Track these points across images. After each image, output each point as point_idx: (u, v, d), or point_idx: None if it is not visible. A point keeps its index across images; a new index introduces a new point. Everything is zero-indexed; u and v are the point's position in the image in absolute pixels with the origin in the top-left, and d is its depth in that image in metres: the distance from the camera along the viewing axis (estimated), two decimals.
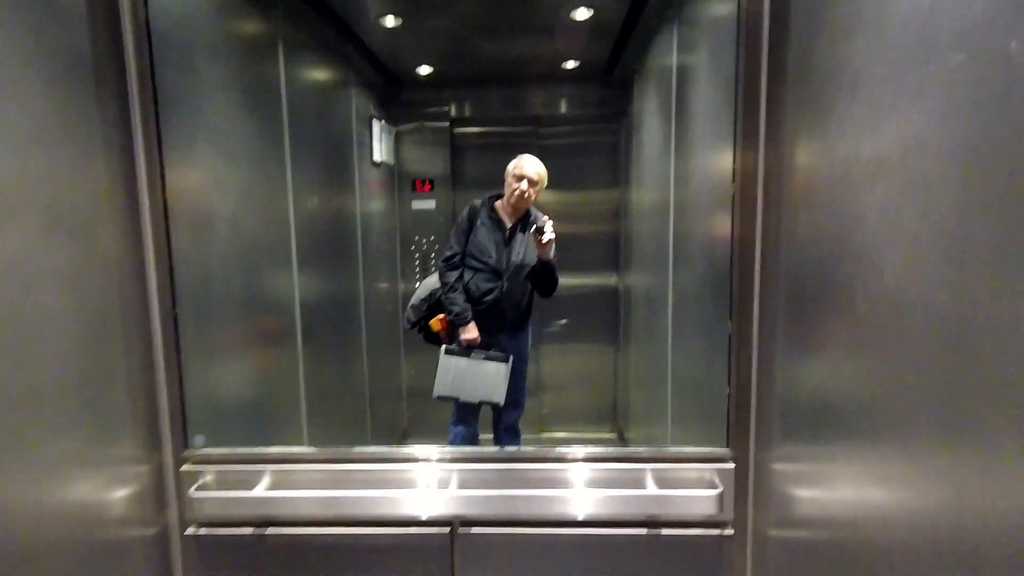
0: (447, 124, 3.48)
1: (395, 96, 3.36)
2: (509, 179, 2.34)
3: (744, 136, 1.13)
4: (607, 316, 3.64)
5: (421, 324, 2.51)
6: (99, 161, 1.01)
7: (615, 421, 3.70)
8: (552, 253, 2.31)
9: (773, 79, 1.07)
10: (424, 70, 3.10)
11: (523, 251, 2.37)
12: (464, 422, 2.51)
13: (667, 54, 1.95)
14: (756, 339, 1.16)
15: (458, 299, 2.36)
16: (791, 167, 1.01)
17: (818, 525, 0.94)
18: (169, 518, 1.19)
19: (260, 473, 1.21)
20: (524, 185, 2.29)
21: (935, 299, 0.63)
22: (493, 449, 1.22)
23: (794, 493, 1.03)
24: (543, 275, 2.38)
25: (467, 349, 2.37)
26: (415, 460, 1.22)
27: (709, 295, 1.55)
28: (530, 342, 2.60)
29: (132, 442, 1.11)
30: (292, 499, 1.15)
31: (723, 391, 1.22)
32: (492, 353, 2.37)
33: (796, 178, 0.99)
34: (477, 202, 2.43)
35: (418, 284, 3.56)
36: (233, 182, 1.52)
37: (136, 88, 1.10)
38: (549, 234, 2.23)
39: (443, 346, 2.40)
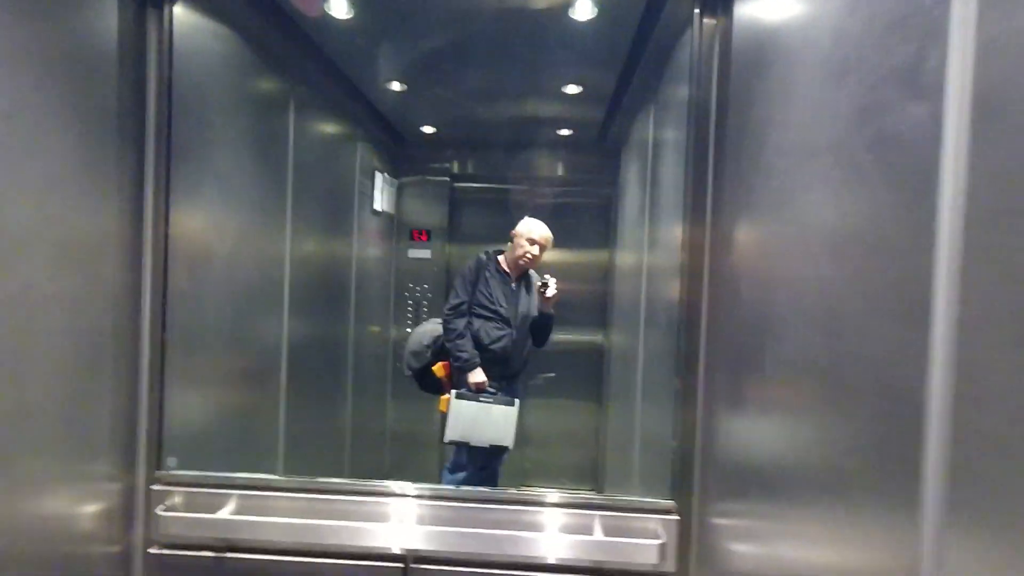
0: (447, 179, 3.67)
1: (400, 151, 3.56)
2: (520, 241, 2.53)
3: (693, 210, 1.25)
4: (592, 373, 3.70)
5: (422, 371, 2.60)
6: (111, 202, 1.13)
7: (595, 479, 3.69)
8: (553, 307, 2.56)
9: (719, 159, 1.20)
10: (428, 129, 3.31)
11: (526, 303, 2.56)
12: (464, 469, 2.55)
13: (645, 129, 2.12)
14: (701, 397, 1.24)
15: (466, 345, 2.47)
16: (729, 241, 1.12)
17: None
18: (134, 537, 1.24)
19: (227, 498, 1.27)
20: (536, 250, 2.52)
21: (818, 365, 0.73)
22: (450, 488, 1.28)
23: (731, 547, 1.08)
24: (542, 326, 2.61)
25: (475, 393, 2.45)
26: (378, 494, 1.28)
27: (670, 357, 1.63)
28: (523, 394, 2.70)
29: (108, 461, 1.18)
30: (252, 524, 1.20)
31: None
32: (500, 397, 2.46)
33: (734, 251, 1.10)
34: (483, 255, 2.60)
35: (408, 330, 3.67)
36: (234, 225, 1.65)
37: (153, 139, 1.24)
38: (553, 290, 2.50)
39: (453, 391, 2.47)
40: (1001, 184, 0.44)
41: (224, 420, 1.64)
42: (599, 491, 3.56)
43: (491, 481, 2.62)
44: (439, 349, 2.57)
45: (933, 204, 0.50)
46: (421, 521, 1.25)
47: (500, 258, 2.60)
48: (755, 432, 0.97)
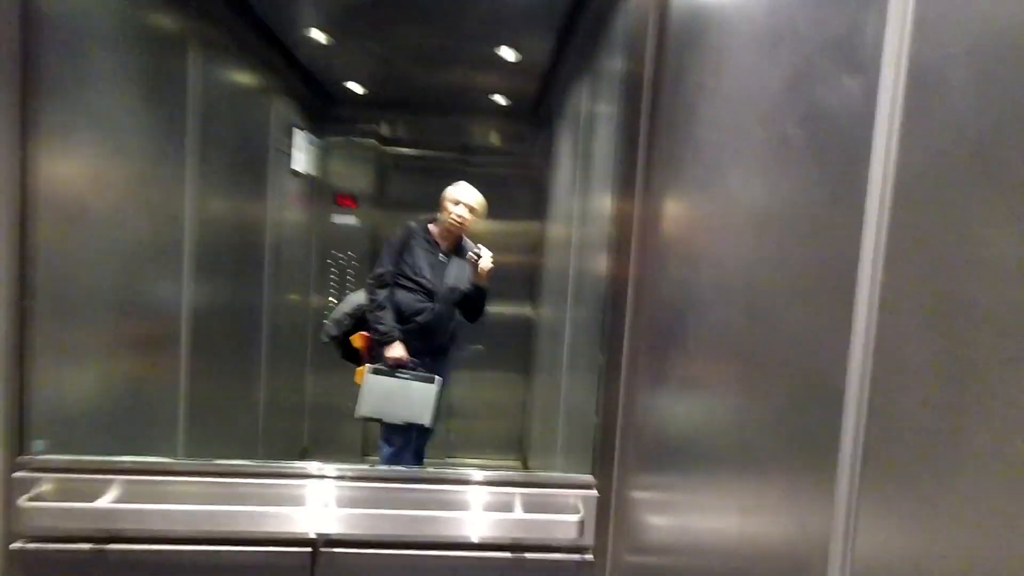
0: (376, 142, 3.48)
1: (325, 109, 3.33)
2: (447, 204, 2.38)
3: (623, 184, 1.22)
4: (521, 346, 3.70)
5: (340, 339, 2.46)
6: None
7: (521, 450, 3.73)
8: (488, 280, 2.41)
9: (652, 132, 1.18)
10: (355, 88, 3.11)
11: (456, 275, 2.42)
12: (389, 443, 2.46)
13: (579, 101, 2.07)
14: (624, 373, 1.23)
15: (386, 317, 2.34)
16: (658, 216, 1.10)
17: (665, 551, 1.00)
18: None
19: (108, 484, 1.13)
20: (463, 211, 2.36)
21: (738, 344, 0.72)
22: (363, 467, 1.21)
23: (647, 520, 1.09)
24: (475, 300, 2.45)
25: (392, 368, 2.33)
26: (281, 476, 1.19)
27: (596, 331, 1.63)
28: (451, 369, 2.60)
29: None
30: (138, 512, 1.09)
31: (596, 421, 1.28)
32: (419, 373, 2.33)
33: (662, 227, 1.08)
34: (413, 224, 2.45)
35: (331, 299, 3.50)
36: (119, 177, 1.45)
37: (7, 67, 1.05)
38: (487, 262, 2.33)
39: (367, 365, 2.34)
40: (931, 163, 0.43)
41: (110, 396, 1.48)
42: (524, 462, 3.60)
43: (415, 459, 2.56)
44: (360, 319, 2.43)
45: (863, 183, 0.48)
46: (339, 503, 1.17)
47: (431, 227, 2.45)
48: (674, 408, 0.97)
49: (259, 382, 2.66)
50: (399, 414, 2.32)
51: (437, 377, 2.33)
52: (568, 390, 2.08)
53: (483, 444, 3.73)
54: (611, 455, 1.24)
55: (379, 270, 2.40)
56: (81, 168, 1.31)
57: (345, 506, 1.17)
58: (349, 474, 1.20)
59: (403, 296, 2.37)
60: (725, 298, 0.75)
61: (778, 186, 0.63)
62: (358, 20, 2.23)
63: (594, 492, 1.23)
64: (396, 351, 2.34)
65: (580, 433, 1.83)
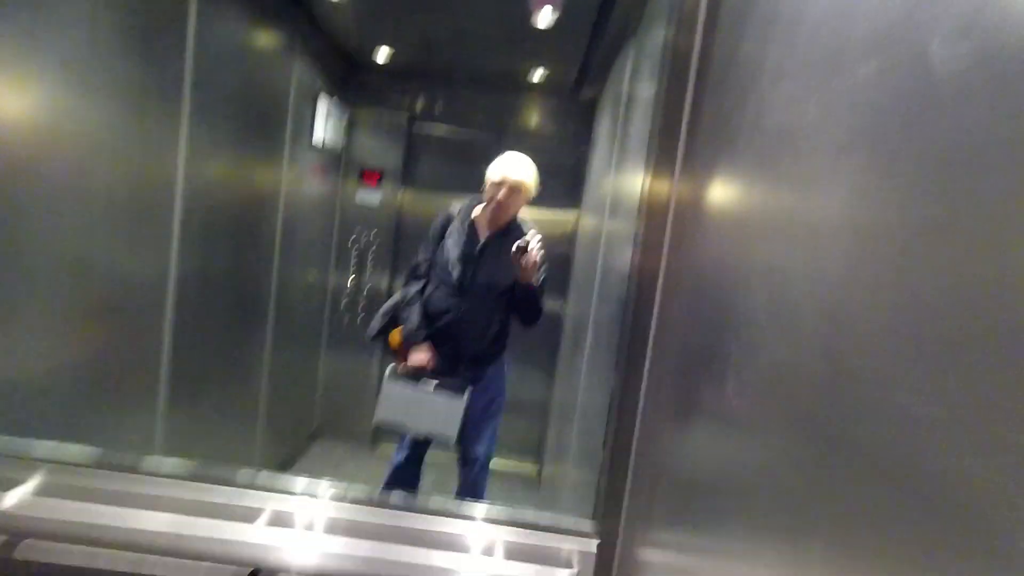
0: (406, 117, 3.29)
1: (351, 77, 3.16)
2: (488, 182, 2.03)
3: (657, 165, 0.97)
4: (549, 343, 3.47)
5: (380, 336, 2.21)
6: None
7: (538, 455, 3.51)
8: (540, 277, 1.99)
9: (696, 106, 0.92)
10: (383, 53, 2.91)
11: (494, 269, 2.04)
12: (407, 456, 2.21)
13: (622, 78, 1.81)
14: (643, 399, 0.99)
15: (413, 315, 2.06)
16: (700, 208, 0.85)
17: None
18: None
19: (28, 474, 0.98)
20: (502, 194, 1.97)
21: (816, 380, 0.47)
22: (305, 480, 1.02)
23: None
24: (523, 302, 2.04)
25: (415, 375, 2.07)
26: (226, 484, 1.01)
27: (617, 337, 1.39)
28: (503, 381, 2.24)
29: None
30: (50, 514, 0.92)
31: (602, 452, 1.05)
32: (445, 382, 2.05)
33: (704, 221, 0.83)
34: (456, 206, 2.15)
35: (350, 279, 3.35)
36: (88, 126, 1.30)
37: None
38: (536, 254, 1.89)
39: (390, 366, 2.12)
40: None
41: (65, 371, 1.34)
42: (539, 467, 3.39)
43: (471, 491, 2.25)
44: (397, 315, 2.16)
45: None
46: (272, 522, 0.98)
47: (477, 209, 2.10)
48: (710, 448, 0.73)
49: (262, 360, 2.53)
50: (421, 425, 2.06)
51: (466, 390, 2.04)
52: (585, 398, 1.85)
53: (501, 447, 3.52)
54: (619, 500, 1.00)
55: (416, 259, 2.14)
56: (29, 107, 1.16)
57: (284, 525, 0.98)
58: (276, 487, 1.01)
59: (432, 291, 2.07)
60: (796, 321, 0.50)
61: (901, 147, 0.37)
62: None
63: (594, 542, 0.99)
64: (416, 356, 2.05)
65: (593, 449, 1.59)
